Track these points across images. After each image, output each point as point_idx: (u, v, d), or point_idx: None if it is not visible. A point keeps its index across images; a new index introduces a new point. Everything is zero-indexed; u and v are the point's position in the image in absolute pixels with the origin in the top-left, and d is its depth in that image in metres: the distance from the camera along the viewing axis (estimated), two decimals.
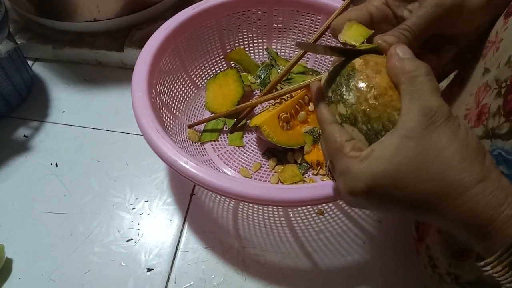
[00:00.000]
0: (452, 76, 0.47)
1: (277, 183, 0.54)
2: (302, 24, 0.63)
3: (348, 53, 0.32)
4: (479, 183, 0.24)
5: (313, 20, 0.61)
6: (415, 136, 0.25)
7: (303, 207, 0.54)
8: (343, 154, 0.28)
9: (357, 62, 0.30)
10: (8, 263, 0.50)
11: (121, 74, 0.70)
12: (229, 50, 0.64)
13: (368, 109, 0.28)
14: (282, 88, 0.55)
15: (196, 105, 0.62)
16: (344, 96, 0.29)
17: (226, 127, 0.61)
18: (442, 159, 0.25)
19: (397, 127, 0.26)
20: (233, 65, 0.65)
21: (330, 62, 0.63)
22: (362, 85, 0.29)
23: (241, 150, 0.58)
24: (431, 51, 0.35)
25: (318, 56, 0.64)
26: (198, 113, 0.62)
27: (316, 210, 0.54)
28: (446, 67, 0.37)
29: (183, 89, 0.61)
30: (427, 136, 0.25)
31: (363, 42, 0.32)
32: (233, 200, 0.55)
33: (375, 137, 0.28)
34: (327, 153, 0.31)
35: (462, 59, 0.37)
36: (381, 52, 0.31)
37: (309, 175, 0.55)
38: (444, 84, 0.49)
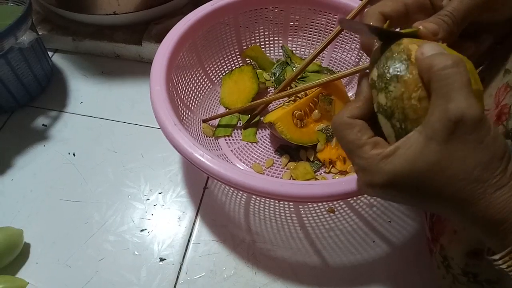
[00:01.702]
0: None
1: (289, 180, 0.54)
2: (318, 23, 0.63)
3: (388, 35, 0.30)
4: (499, 190, 0.24)
5: (330, 19, 0.62)
6: (440, 140, 0.24)
7: (314, 204, 0.55)
8: (363, 152, 0.28)
9: (414, 53, 0.28)
10: (26, 247, 0.51)
11: (138, 68, 0.71)
12: (245, 47, 0.65)
13: (408, 109, 0.27)
14: (296, 86, 0.56)
15: (211, 100, 0.63)
16: (389, 87, 0.27)
17: (240, 123, 0.61)
18: (465, 168, 0.24)
19: (424, 125, 0.25)
20: (248, 62, 0.66)
21: (344, 61, 0.64)
22: (410, 82, 0.27)
23: (254, 146, 0.59)
24: (470, 39, 0.34)
25: (333, 55, 0.65)
26: (213, 108, 0.63)
27: (327, 208, 0.55)
28: (480, 58, 0.36)
29: (199, 84, 0.61)
30: (453, 142, 0.24)
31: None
32: (245, 195, 0.56)
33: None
34: (342, 146, 0.30)
35: (493, 49, 0.37)
36: (421, 38, 0.30)
37: (321, 173, 0.56)
38: None
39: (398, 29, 0.31)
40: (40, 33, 0.70)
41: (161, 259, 0.51)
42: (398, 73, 0.27)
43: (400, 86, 0.27)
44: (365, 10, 0.34)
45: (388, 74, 0.28)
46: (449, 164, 0.25)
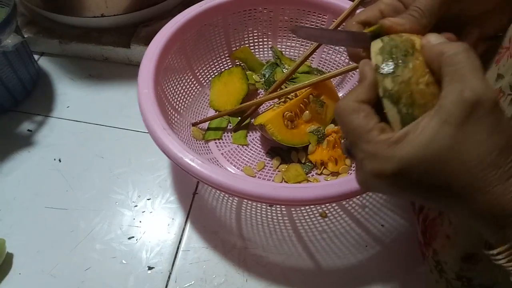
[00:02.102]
0: None
1: (281, 182, 0.53)
2: (308, 24, 0.62)
3: (355, 38, 0.30)
4: (510, 179, 0.23)
5: (319, 20, 0.61)
6: (456, 122, 0.23)
7: (307, 207, 0.53)
8: (372, 137, 0.26)
9: (417, 42, 0.28)
10: (9, 258, 0.49)
11: (127, 71, 0.70)
12: (234, 49, 0.64)
13: (416, 93, 0.26)
14: (286, 88, 0.55)
15: (200, 103, 0.62)
16: (396, 72, 0.27)
17: (230, 126, 0.60)
18: (481, 152, 0.23)
19: (437, 110, 0.24)
20: (238, 63, 0.64)
21: (334, 62, 0.63)
22: (418, 67, 0.27)
23: (245, 149, 0.58)
24: (454, 31, 0.33)
25: (323, 56, 0.64)
26: (203, 111, 0.61)
27: (320, 212, 0.53)
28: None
29: (188, 86, 0.60)
30: (469, 125, 0.23)
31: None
32: (236, 200, 0.55)
33: (411, 123, 0.27)
34: (347, 132, 0.28)
35: (489, 46, 0.36)
36: (387, 31, 0.30)
37: (313, 175, 0.55)
38: None
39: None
40: (25, 36, 0.68)
41: (150, 268, 0.49)
42: (406, 57, 0.27)
43: (408, 71, 0.27)
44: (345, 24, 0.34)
45: (395, 60, 0.28)
46: (464, 148, 0.23)
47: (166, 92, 0.55)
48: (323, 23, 0.61)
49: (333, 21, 0.57)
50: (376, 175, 0.26)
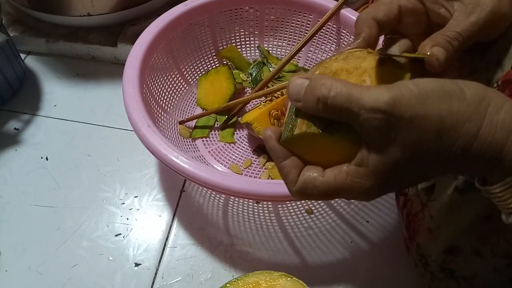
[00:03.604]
0: None
1: (266, 179, 0.54)
2: (294, 23, 0.63)
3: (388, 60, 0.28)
4: (482, 124, 0.22)
5: (305, 19, 0.62)
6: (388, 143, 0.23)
7: (293, 203, 0.54)
8: (330, 183, 0.25)
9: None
10: None
11: (114, 70, 0.70)
12: (221, 48, 0.64)
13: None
14: (273, 86, 0.55)
15: (187, 101, 0.62)
16: (311, 70, 0.29)
17: (218, 124, 0.61)
18: (436, 128, 0.22)
19: (362, 151, 0.24)
20: (225, 62, 0.65)
21: (320, 61, 0.64)
22: (325, 62, 0.27)
23: (232, 147, 0.58)
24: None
25: (309, 55, 0.64)
26: (190, 110, 0.62)
27: (306, 209, 0.54)
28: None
29: (174, 85, 0.61)
30: (401, 130, 0.22)
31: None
32: (223, 197, 0.55)
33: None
34: (317, 196, 0.27)
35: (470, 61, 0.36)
36: (427, 67, 0.28)
37: None
38: None
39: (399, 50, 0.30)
40: (11, 35, 0.68)
41: (136, 264, 0.50)
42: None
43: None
44: (358, 15, 0.32)
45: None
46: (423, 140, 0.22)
47: (153, 91, 0.55)
48: (308, 22, 0.62)
49: (318, 20, 0.58)
50: (367, 196, 0.25)
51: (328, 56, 0.62)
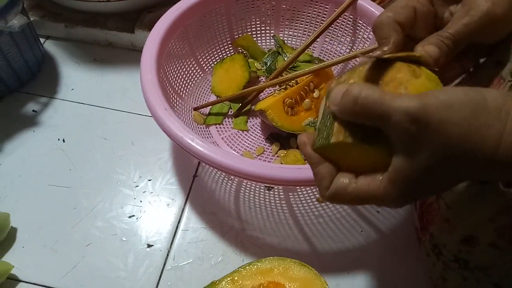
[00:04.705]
0: None
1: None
2: (310, 13, 0.63)
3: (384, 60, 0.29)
4: (506, 127, 0.23)
5: (321, 10, 0.62)
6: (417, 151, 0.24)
7: (304, 191, 0.54)
8: (363, 193, 0.27)
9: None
10: (13, 231, 0.51)
11: (130, 56, 0.71)
12: (237, 36, 0.65)
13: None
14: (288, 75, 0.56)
15: (202, 88, 0.63)
16: (342, 76, 0.29)
17: (231, 111, 0.61)
18: (460, 135, 0.23)
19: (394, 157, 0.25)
20: (240, 51, 0.65)
21: (335, 52, 0.64)
22: (358, 71, 0.28)
23: (245, 134, 0.59)
24: (455, 59, 0.33)
25: (324, 45, 0.64)
26: (204, 97, 0.63)
27: (317, 197, 0.55)
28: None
29: (190, 72, 0.61)
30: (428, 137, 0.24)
31: None
32: (236, 182, 0.56)
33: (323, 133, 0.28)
34: (350, 201, 0.28)
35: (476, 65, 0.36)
36: (424, 64, 0.29)
37: None
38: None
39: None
40: (32, 19, 0.69)
41: (149, 245, 0.51)
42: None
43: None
44: (378, 16, 0.32)
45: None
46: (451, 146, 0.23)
47: (169, 77, 0.56)
48: (324, 12, 0.62)
49: (335, 11, 0.58)
50: (396, 203, 0.27)
51: (344, 48, 0.62)
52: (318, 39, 0.60)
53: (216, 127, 0.59)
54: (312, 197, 0.55)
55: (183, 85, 0.60)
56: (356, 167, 0.28)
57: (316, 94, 0.57)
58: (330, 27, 0.59)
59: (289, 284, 0.41)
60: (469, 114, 0.23)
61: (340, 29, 0.62)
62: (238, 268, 0.42)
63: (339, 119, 0.27)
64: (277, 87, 0.59)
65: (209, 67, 0.64)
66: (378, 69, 0.28)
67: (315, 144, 0.29)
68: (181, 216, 0.53)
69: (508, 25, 0.31)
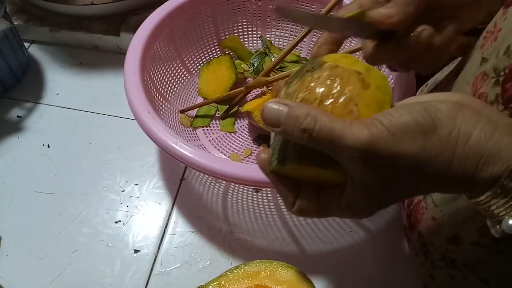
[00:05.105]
0: (445, 70, 0.48)
1: None
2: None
3: (328, 24, 0.30)
4: (455, 153, 0.23)
5: (308, 10, 0.62)
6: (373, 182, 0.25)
7: None
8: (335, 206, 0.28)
9: (329, 60, 0.28)
10: None
11: (116, 59, 0.70)
12: (223, 38, 0.64)
13: None
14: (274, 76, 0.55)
15: (189, 90, 0.62)
16: (291, 83, 0.29)
17: (218, 113, 0.61)
18: (410, 163, 0.24)
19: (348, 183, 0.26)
20: (227, 52, 0.65)
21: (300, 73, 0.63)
22: (307, 82, 0.28)
23: (233, 136, 0.59)
24: (433, 26, 0.34)
25: (312, 45, 0.64)
26: (191, 99, 0.62)
27: None
28: (449, 49, 0.36)
29: (176, 74, 0.61)
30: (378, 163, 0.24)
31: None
32: (223, 185, 0.55)
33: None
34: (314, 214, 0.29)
35: (465, 46, 0.37)
36: (369, 19, 0.30)
37: None
38: (439, 77, 0.49)
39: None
40: (15, 24, 0.68)
41: (136, 251, 0.50)
42: (305, 72, 0.29)
43: (298, 85, 0.28)
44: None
45: (298, 73, 0.29)
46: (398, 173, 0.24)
47: (154, 79, 0.55)
48: (311, 12, 0.62)
49: (321, 10, 0.58)
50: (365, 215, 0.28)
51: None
52: (305, 39, 0.59)
53: (203, 130, 0.59)
54: None
55: (169, 88, 0.59)
56: (317, 181, 0.28)
57: None
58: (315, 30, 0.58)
59: (276, 287, 0.41)
60: (419, 146, 0.23)
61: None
62: (225, 272, 0.42)
63: (291, 142, 0.27)
64: (264, 88, 0.59)
65: (196, 69, 0.64)
66: (326, 74, 0.27)
67: (271, 164, 0.29)
68: (168, 220, 0.53)
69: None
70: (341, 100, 0.26)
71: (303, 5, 0.61)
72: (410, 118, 0.23)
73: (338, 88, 0.26)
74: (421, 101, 0.25)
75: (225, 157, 0.56)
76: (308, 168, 0.27)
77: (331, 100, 0.26)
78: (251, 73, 0.63)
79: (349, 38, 0.59)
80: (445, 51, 0.36)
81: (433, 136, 0.23)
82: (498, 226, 0.23)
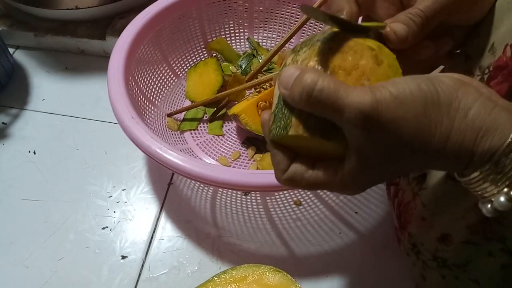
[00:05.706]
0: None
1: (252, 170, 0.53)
2: (283, 14, 0.63)
3: (348, 27, 0.28)
4: (453, 125, 0.23)
5: (294, 11, 0.61)
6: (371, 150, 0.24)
7: (281, 195, 0.54)
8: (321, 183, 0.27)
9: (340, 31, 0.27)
10: None
11: (103, 63, 0.69)
12: (210, 40, 0.64)
13: None
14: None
15: (176, 94, 0.62)
16: (300, 51, 0.28)
17: (206, 116, 0.60)
18: (409, 130, 0.23)
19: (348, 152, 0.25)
20: (214, 54, 0.65)
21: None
22: (317, 51, 0.27)
23: (221, 139, 0.58)
24: (430, 39, 0.32)
25: None
26: (179, 102, 0.62)
27: (294, 200, 0.54)
28: (439, 61, 0.35)
29: (163, 78, 0.60)
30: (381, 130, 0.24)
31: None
32: (211, 190, 0.55)
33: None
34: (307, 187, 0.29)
35: (452, 54, 0.36)
36: (382, 36, 0.28)
37: None
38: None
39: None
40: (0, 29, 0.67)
41: (123, 257, 0.49)
42: (315, 42, 0.28)
43: (307, 53, 0.28)
44: None
45: (308, 41, 0.28)
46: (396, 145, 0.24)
47: (139, 84, 0.55)
48: (298, 13, 0.61)
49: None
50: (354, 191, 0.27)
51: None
52: (292, 40, 0.59)
53: (191, 133, 0.58)
54: (290, 200, 0.54)
55: (156, 92, 0.59)
56: (314, 154, 0.28)
57: None
58: (304, 27, 0.58)
59: None
60: (420, 110, 0.23)
61: (314, 29, 0.61)
62: (212, 277, 0.41)
63: (296, 109, 0.26)
64: (252, 90, 0.59)
65: (183, 72, 0.63)
66: (338, 46, 0.27)
67: (271, 131, 0.28)
68: (156, 225, 0.52)
69: (481, 1, 0.30)
70: (353, 72, 0.26)
71: (289, 5, 0.61)
72: (414, 84, 0.23)
73: (351, 61, 0.26)
74: (425, 75, 0.24)
75: (213, 160, 0.55)
76: (310, 140, 0.26)
77: (343, 72, 0.26)
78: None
79: None
80: (436, 62, 0.36)
81: (434, 104, 0.23)
82: (489, 206, 0.23)
